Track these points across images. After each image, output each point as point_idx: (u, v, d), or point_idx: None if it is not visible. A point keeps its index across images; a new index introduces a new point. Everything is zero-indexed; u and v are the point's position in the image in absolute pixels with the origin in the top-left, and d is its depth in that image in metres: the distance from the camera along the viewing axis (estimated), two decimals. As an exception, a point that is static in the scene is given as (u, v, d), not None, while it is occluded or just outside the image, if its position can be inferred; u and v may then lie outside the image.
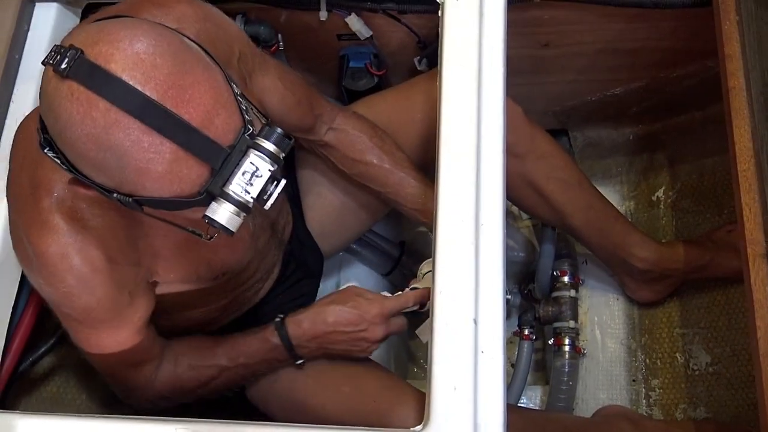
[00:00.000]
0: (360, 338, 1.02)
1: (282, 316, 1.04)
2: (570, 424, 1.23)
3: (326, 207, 1.26)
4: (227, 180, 0.67)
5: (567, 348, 1.37)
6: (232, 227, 0.68)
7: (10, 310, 1.06)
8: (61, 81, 0.65)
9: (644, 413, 1.34)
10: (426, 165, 1.19)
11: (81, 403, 1.27)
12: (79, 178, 0.71)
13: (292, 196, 1.24)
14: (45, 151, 0.71)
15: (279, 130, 0.68)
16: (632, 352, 1.40)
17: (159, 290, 0.97)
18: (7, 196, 0.90)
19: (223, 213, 0.67)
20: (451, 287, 0.87)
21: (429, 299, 1.01)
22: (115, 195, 0.69)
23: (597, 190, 1.27)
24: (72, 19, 1.14)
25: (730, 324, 1.29)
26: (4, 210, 1.03)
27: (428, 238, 1.53)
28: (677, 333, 1.36)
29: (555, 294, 1.41)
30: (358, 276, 1.51)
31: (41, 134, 0.71)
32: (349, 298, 1.02)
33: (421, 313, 1.39)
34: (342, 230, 1.31)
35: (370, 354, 1.06)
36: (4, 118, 1.06)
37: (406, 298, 1.03)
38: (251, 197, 0.67)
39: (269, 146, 0.68)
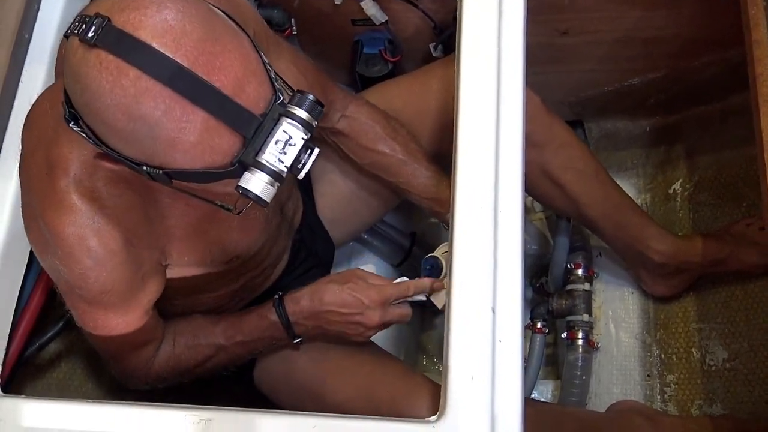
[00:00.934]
0: (355, 321, 0.99)
1: (281, 293, 1.02)
2: (585, 419, 1.21)
3: (338, 194, 1.25)
4: (260, 149, 0.66)
5: (580, 342, 1.35)
6: (266, 197, 0.66)
7: (17, 294, 1.05)
8: (89, 50, 0.64)
9: (659, 409, 1.32)
10: (440, 152, 1.17)
11: (87, 390, 1.25)
12: (107, 153, 0.69)
13: (303, 182, 1.22)
14: (70, 125, 0.70)
15: (311, 96, 0.67)
16: (647, 346, 1.38)
17: (171, 274, 0.95)
18: (20, 177, 0.89)
19: (256, 183, 0.66)
20: (469, 275, 0.85)
21: (432, 290, 1.01)
22: (144, 168, 0.68)
23: (614, 181, 1.25)
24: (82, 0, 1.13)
25: (749, 319, 1.27)
26: (11, 195, 1.03)
27: (439, 229, 1.52)
28: (693, 328, 1.33)
29: (569, 287, 1.39)
30: (368, 267, 1.49)
31: (66, 108, 0.70)
32: (349, 279, 0.99)
33: (425, 305, 1.38)
34: (353, 218, 1.30)
35: (367, 339, 1.03)
36: (14, 99, 1.04)
37: (407, 286, 1.00)
38: (285, 166, 0.66)
39: (302, 114, 0.66)
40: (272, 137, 0.66)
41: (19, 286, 1.05)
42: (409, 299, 1.02)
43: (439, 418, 0.81)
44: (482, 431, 0.79)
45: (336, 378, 1.05)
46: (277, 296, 1.02)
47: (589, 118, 1.50)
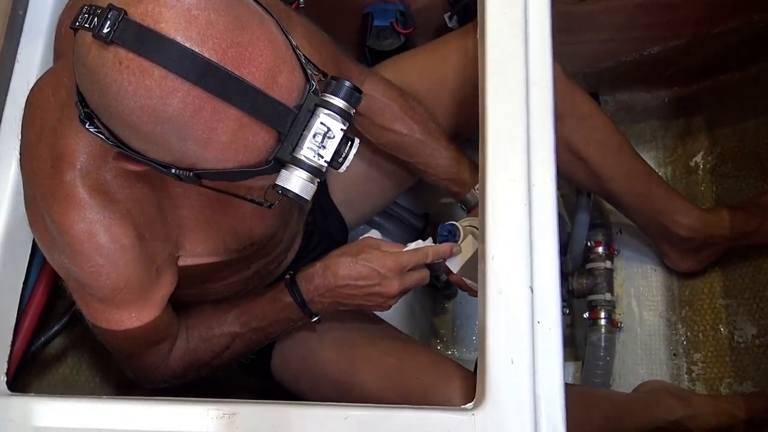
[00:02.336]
0: (374, 293, 0.94)
1: (291, 272, 0.98)
2: (615, 400, 1.18)
3: (350, 175, 1.17)
4: (297, 144, 0.61)
5: (603, 321, 1.31)
6: (307, 195, 0.62)
7: (21, 288, 0.99)
8: (105, 48, 0.58)
9: (686, 388, 1.28)
10: (458, 127, 1.13)
11: (95, 386, 1.20)
12: (130, 155, 0.64)
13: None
14: (86, 126, 0.64)
15: (348, 83, 0.62)
16: (672, 324, 1.34)
17: (183, 263, 0.91)
18: (22, 169, 0.83)
19: (296, 181, 0.62)
20: (504, 252, 0.80)
21: (450, 254, 0.97)
22: (173, 170, 0.63)
23: (638, 154, 1.21)
24: (79, -25, 1.07)
25: (778, 293, 1.23)
26: (10, 183, 0.97)
27: (453, 209, 1.47)
28: (720, 304, 1.30)
29: (589, 265, 1.35)
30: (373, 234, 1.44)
31: (81, 108, 0.64)
32: (362, 250, 0.95)
33: (439, 276, 1.34)
34: (366, 199, 1.25)
35: (389, 308, 0.99)
36: (9, 80, 0.98)
37: (425, 252, 0.95)
38: (325, 161, 0.62)
39: (339, 103, 0.62)
40: (309, 131, 0.61)
41: (23, 279, 0.99)
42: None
43: (476, 406, 0.77)
44: (525, 417, 0.75)
45: (362, 367, 1.00)
46: (288, 276, 0.97)
47: (604, 90, 1.45)
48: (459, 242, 0.99)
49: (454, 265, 0.98)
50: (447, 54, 1.11)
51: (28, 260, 1.00)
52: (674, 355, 1.32)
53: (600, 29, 1.29)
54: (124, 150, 0.64)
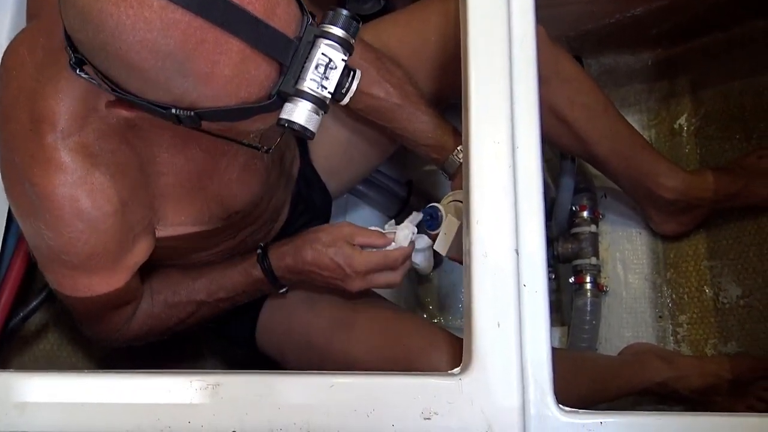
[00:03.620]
0: (335, 284, 0.96)
1: (263, 245, 0.98)
2: (602, 363, 1.18)
3: (332, 142, 1.18)
4: (299, 77, 0.60)
5: (589, 286, 1.31)
6: (312, 127, 0.61)
7: (-4, 261, 0.98)
8: None
9: (672, 350, 1.29)
10: (441, 92, 1.10)
11: (78, 361, 1.18)
12: (126, 98, 0.62)
13: (296, 131, 1.15)
14: (77, 72, 0.63)
15: (345, 12, 0.61)
16: (657, 287, 1.34)
17: (168, 233, 0.89)
18: None
19: (300, 113, 0.60)
20: (489, 215, 0.79)
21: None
22: (173, 111, 0.61)
23: (623, 116, 1.19)
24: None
25: (762, 254, 1.23)
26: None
27: (436, 176, 1.46)
28: (705, 266, 1.30)
29: (574, 230, 1.34)
30: (364, 219, 1.43)
31: (70, 53, 0.62)
32: (335, 241, 0.94)
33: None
34: (349, 167, 1.23)
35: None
36: (-21, 45, 0.95)
37: (394, 257, 0.95)
38: (329, 92, 0.61)
39: (338, 32, 0.61)
40: (311, 62, 0.60)
41: (-2, 252, 0.97)
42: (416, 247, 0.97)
43: (463, 370, 0.76)
44: (512, 381, 0.75)
45: (348, 336, 1.00)
46: (260, 251, 0.97)
47: (588, 53, 1.43)
48: (441, 223, 0.98)
49: (441, 247, 0.97)
50: (428, 16, 1.08)
51: (3, 232, 0.97)
52: (660, 317, 1.32)
53: (583, -10, 1.27)
54: (120, 93, 0.62)
